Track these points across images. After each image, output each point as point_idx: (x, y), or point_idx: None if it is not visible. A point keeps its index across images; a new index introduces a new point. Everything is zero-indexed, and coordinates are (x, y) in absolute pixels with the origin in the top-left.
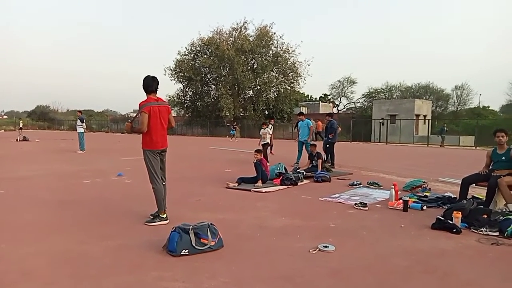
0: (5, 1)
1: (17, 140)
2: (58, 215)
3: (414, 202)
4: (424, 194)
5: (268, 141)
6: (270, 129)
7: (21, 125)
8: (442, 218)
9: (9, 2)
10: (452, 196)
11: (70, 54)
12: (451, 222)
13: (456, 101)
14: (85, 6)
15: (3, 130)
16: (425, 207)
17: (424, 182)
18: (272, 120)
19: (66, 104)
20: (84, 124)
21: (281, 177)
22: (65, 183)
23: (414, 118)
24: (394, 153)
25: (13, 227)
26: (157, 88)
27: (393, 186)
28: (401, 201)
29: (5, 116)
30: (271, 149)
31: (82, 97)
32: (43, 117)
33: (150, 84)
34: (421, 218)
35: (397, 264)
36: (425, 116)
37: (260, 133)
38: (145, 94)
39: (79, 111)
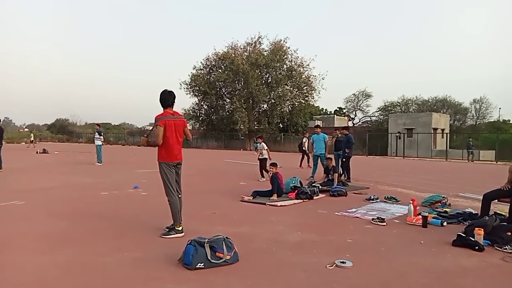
0: (31, 19)
1: (37, 152)
2: (75, 226)
3: (433, 217)
4: (444, 209)
5: (266, 156)
6: (305, 141)
7: (32, 138)
8: (464, 235)
9: (34, 21)
10: (473, 212)
11: (88, 69)
12: (473, 239)
13: (475, 114)
14: (104, 23)
15: (24, 143)
16: (445, 223)
17: (443, 197)
18: (307, 134)
19: (85, 117)
20: (101, 137)
21: (296, 191)
22: (83, 195)
23: (432, 132)
24: (412, 167)
25: (32, 238)
26: (174, 102)
27: (411, 201)
28: (420, 216)
29: (26, 129)
30: (308, 161)
31: (100, 110)
32: (62, 130)
33: (167, 99)
34: (441, 235)
35: (416, 282)
36: (443, 130)
37: (258, 148)
38: (162, 108)
39: (97, 124)
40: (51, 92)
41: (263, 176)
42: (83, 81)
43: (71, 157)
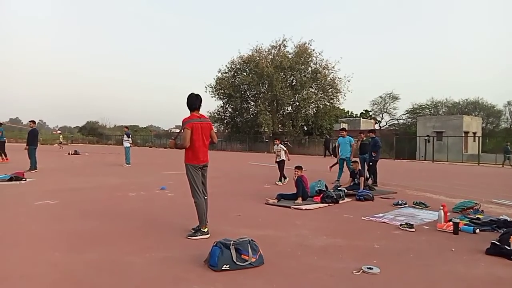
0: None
1: (68, 153)
2: (105, 226)
3: (465, 224)
4: (477, 216)
5: (284, 158)
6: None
7: (61, 140)
8: (498, 243)
9: (66, 29)
10: (508, 220)
11: (116, 74)
12: (508, 248)
13: (509, 117)
14: (130, 29)
15: (56, 144)
16: (478, 231)
17: (476, 203)
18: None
19: (114, 120)
20: (130, 139)
21: (321, 195)
22: (112, 196)
23: (463, 135)
24: (442, 172)
25: (64, 236)
26: (200, 105)
27: (441, 207)
28: (451, 223)
29: (59, 131)
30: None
31: (128, 113)
32: (92, 132)
33: (194, 102)
34: (474, 242)
35: None
36: (474, 133)
37: (274, 150)
38: (189, 111)
39: (126, 127)
40: (81, 95)
41: (285, 178)
42: (112, 84)
43: (101, 158)
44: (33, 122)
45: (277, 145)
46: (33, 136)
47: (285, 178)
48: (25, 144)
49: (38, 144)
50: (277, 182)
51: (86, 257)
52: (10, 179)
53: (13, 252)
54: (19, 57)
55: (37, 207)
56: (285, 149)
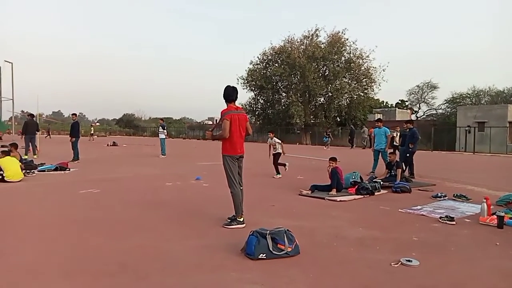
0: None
1: (107, 145)
2: (145, 214)
3: (510, 218)
4: None
5: (280, 151)
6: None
7: (92, 131)
8: None
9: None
10: None
11: (152, 68)
12: None
13: None
14: (167, 26)
15: (96, 136)
16: None
17: None
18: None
19: (149, 112)
20: (165, 131)
21: (356, 186)
22: (150, 185)
23: (507, 125)
24: (484, 164)
25: (109, 224)
26: (237, 97)
27: (484, 200)
28: (494, 216)
29: (97, 124)
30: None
31: (163, 105)
32: (129, 124)
33: (231, 94)
34: None
35: (492, 286)
36: None
37: (270, 143)
38: (225, 103)
39: (161, 119)
40: (119, 89)
41: (278, 173)
42: (148, 78)
43: (138, 149)
44: (75, 114)
45: (271, 139)
46: (76, 128)
47: (278, 173)
48: (69, 136)
49: (80, 136)
50: (275, 176)
51: (128, 243)
52: (56, 169)
53: (61, 236)
54: (62, 56)
55: (81, 195)
56: (280, 142)
